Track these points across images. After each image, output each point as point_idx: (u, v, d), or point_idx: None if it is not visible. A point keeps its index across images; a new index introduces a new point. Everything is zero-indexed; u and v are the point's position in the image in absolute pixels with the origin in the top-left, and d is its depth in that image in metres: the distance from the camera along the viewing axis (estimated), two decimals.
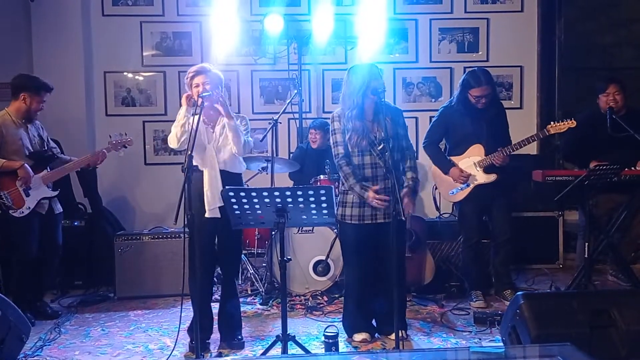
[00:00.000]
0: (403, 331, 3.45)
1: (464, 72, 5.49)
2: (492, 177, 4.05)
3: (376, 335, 3.55)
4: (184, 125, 3.17)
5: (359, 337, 3.49)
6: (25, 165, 3.81)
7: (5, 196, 3.79)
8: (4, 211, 3.79)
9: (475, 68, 4.20)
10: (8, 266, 4.00)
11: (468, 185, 4.07)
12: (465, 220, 4.22)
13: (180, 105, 3.27)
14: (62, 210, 4.16)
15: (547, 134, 3.98)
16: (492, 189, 4.08)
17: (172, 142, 3.25)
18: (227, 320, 3.45)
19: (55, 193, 4.01)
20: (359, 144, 3.32)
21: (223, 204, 3.00)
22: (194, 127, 2.96)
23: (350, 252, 3.49)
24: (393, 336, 3.26)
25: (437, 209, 5.11)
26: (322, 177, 4.58)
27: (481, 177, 4.07)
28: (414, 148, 3.59)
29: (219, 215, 3.20)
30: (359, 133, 3.32)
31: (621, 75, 4.61)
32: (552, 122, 3.99)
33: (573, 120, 3.88)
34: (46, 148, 4.06)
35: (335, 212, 3.07)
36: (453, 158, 4.16)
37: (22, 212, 3.81)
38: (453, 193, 4.13)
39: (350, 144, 3.34)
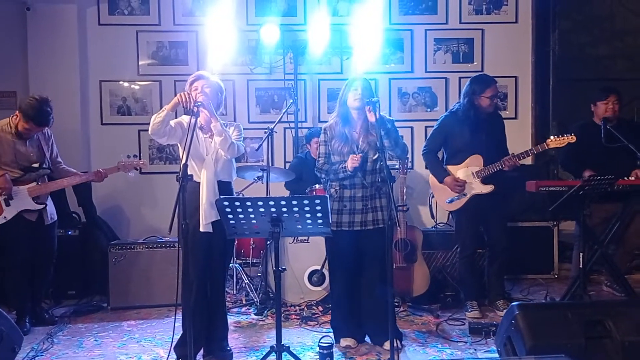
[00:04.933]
0: (398, 341, 3.44)
1: (459, 82, 5.60)
2: (489, 188, 4.06)
3: (370, 342, 3.55)
4: (161, 122, 3.12)
5: (344, 342, 3.52)
6: (6, 175, 3.85)
7: None
8: None
9: (477, 75, 4.24)
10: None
11: (465, 195, 4.09)
12: (462, 231, 4.24)
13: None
14: (56, 219, 4.16)
15: (547, 147, 3.97)
16: (489, 199, 4.09)
17: (150, 130, 3.19)
18: (214, 330, 3.35)
19: (40, 207, 3.98)
20: (340, 150, 3.43)
21: (218, 218, 2.99)
22: (189, 135, 2.92)
23: (333, 257, 3.58)
24: (387, 345, 3.25)
25: (433, 217, 5.11)
26: (317, 186, 4.56)
27: (478, 187, 4.08)
28: (410, 157, 3.59)
29: (211, 231, 3.17)
30: (342, 140, 3.44)
31: (615, 87, 4.66)
32: (552, 137, 3.98)
33: (573, 136, 3.88)
34: (39, 163, 4.01)
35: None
36: (451, 167, 4.18)
37: None
38: (450, 201, 4.13)
39: (334, 151, 3.46)
